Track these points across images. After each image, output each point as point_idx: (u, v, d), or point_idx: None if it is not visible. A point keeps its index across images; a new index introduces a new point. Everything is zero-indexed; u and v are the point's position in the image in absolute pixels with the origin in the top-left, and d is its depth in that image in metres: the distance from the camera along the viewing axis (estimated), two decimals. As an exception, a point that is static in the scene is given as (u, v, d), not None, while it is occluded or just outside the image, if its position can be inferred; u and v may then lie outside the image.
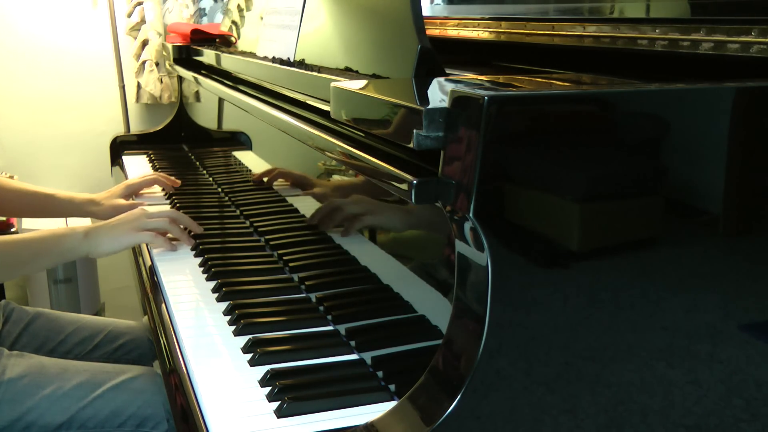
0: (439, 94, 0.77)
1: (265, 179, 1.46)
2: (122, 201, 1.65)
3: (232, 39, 1.81)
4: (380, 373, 0.90)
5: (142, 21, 2.66)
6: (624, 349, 0.71)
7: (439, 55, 0.90)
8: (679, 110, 0.70)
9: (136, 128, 2.78)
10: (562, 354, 0.69)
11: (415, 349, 0.85)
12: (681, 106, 0.71)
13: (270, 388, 0.87)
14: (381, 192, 0.94)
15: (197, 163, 2.05)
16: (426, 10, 1.74)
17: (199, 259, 1.30)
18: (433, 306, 0.81)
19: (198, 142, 2.18)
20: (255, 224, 1.42)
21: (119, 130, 2.76)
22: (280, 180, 1.42)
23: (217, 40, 1.92)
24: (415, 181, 0.68)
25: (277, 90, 1.28)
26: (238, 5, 1.80)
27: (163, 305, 1.13)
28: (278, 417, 0.82)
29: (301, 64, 1.24)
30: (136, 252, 1.41)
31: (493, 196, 0.65)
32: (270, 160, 1.49)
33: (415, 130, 0.66)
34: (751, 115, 0.73)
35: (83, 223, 1.69)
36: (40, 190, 1.62)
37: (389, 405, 0.76)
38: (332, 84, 0.86)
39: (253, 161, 1.61)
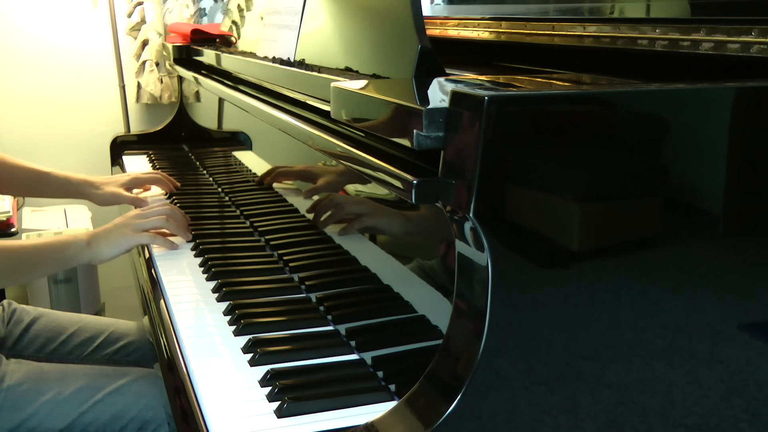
0: (439, 94, 0.77)
1: (267, 179, 1.46)
2: (125, 193, 1.65)
3: (233, 39, 1.81)
4: (380, 373, 0.90)
5: (143, 21, 2.66)
6: (624, 349, 0.71)
7: (440, 55, 0.90)
8: (679, 110, 0.70)
9: (136, 128, 2.78)
10: (562, 354, 0.69)
11: (416, 349, 0.85)
12: (681, 106, 0.71)
13: (270, 388, 0.87)
14: (381, 192, 0.94)
15: (197, 163, 2.05)
16: (426, 10, 1.74)
17: (199, 259, 1.30)
18: (434, 306, 0.81)
19: (198, 142, 2.18)
20: (255, 224, 1.42)
21: (119, 130, 2.76)
22: (281, 179, 1.42)
23: (217, 40, 1.92)
24: (415, 181, 0.68)
25: (277, 90, 1.28)
26: (239, 5, 1.80)
27: (163, 305, 1.13)
28: (278, 417, 0.82)
29: (301, 64, 1.24)
30: (137, 252, 1.41)
31: (494, 196, 0.65)
32: (270, 160, 1.49)
33: (415, 130, 0.66)
34: (751, 115, 0.73)
35: (80, 221, 1.68)
36: (37, 168, 1.62)
37: (389, 405, 0.76)
38: (332, 84, 0.86)
39: (253, 161, 1.61)
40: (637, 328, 0.71)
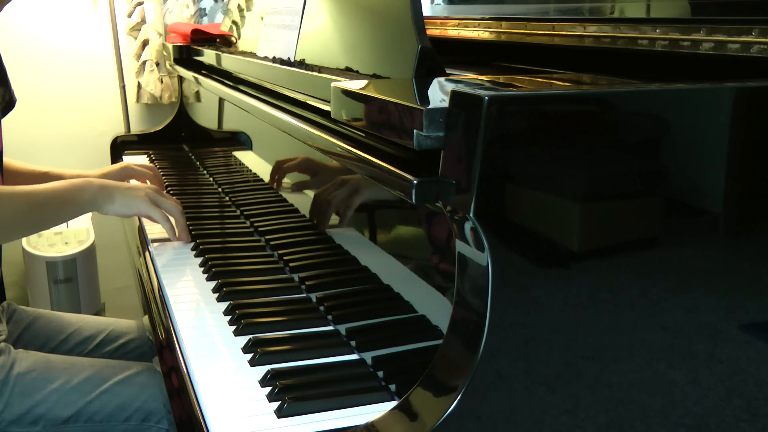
0: (439, 94, 0.77)
1: (269, 179, 1.46)
2: (114, 169, 1.66)
3: (233, 39, 1.81)
4: (380, 373, 0.90)
5: (143, 21, 2.66)
6: (624, 349, 0.71)
7: (440, 55, 0.90)
8: (679, 110, 0.70)
9: (136, 128, 2.78)
10: (562, 354, 0.69)
11: (416, 349, 0.85)
12: (681, 106, 0.71)
13: (270, 388, 0.87)
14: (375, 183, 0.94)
15: (197, 163, 2.05)
16: (426, 10, 1.75)
17: (199, 259, 1.30)
18: (434, 306, 0.81)
19: (198, 142, 2.18)
20: (255, 224, 1.42)
21: (120, 130, 2.76)
22: (282, 178, 1.41)
23: (218, 40, 1.92)
24: (415, 181, 0.68)
25: (277, 90, 1.28)
26: (239, 5, 1.80)
27: (164, 305, 1.13)
28: (278, 417, 0.82)
29: (301, 64, 1.24)
30: (137, 252, 1.41)
31: (494, 196, 0.65)
32: (270, 160, 1.49)
33: (415, 130, 0.66)
34: (751, 115, 0.73)
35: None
36: (34, 168, 1.62)
37: (389, 405, 0.76)
38: (333, 84, 0.86)
39: (253, 161, 1.61)
40: (637, 328, 0.71)
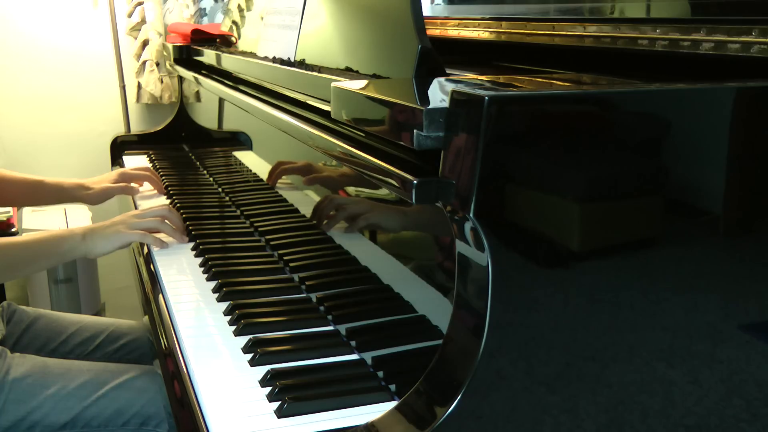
0: (439, 94, 0.77)
1: (274, 177, 1.46)
2: (113, 185, 1.68)
3: (233, 39, 1.81)
4: (381, 373, 0.90)
5: (143, 21, 2.66)
6: (624, 349, 0.71)
7: (440, 56, 0.90)
8: (679, 110, 0.70)
9: (136, 128, 2.78)
10: (562, 354, 0.69)
11: (416, 349, 0.85)
12: (681, 106, 0.71)
13: (270, 388, 0.87)
14: (380, 189, 0.94)
15: (198, 163, 2.05)
16: (426, 10, 1.74)
17: (199, 259, 1.30)
18: (434, 306, 0.81)
19: (198, 142, 2.18)
20: (255, 224, 1.42)
21: (120, 130, 2.76)
22: (285, 175, 1.41)
23: (218, 40, 1.92)
24: (415, 182, 0.68)
25: (277, 90, 1.28)
26: (239, 5, 1.80)
27: (164, 305, 1.13)
28: (279, 417, 0.82)
29: (301, 64, 1.24)
30: (137, 252, 1.41)
31: (494, 196, 0.65)
32: (270, 160, 1.49)
33: (415, 130, 0.66)
34: (751, 115, 0.73)
35: (80, 221, 1.70)
36: (30, 178, 1.63)
37: (389, 405, 0.76)
38: (333, 84, 0.86)
39: (253, 161, 1.61)
40: (637, 328, 0.71)
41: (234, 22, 1.84)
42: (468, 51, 1.43)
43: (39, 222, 2.41)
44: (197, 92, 2.34)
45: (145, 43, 2.67)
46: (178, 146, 2.24)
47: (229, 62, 1.61)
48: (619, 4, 1.11)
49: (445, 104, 0.66)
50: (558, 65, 1.10)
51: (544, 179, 0.67)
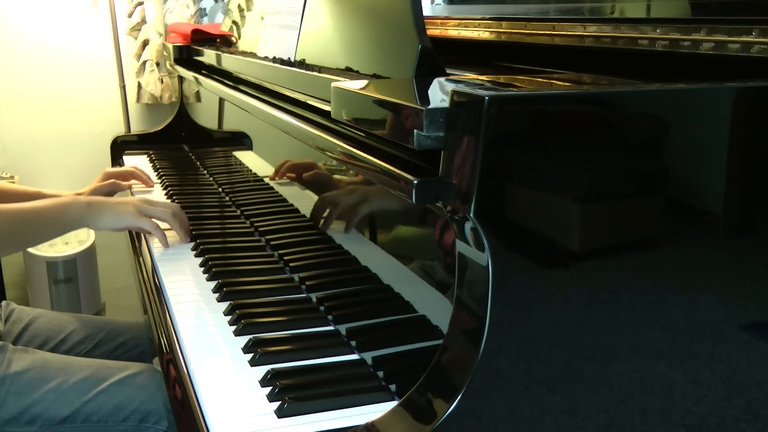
0: (439, 94, 0.77)
1: (270, 178, 1.46)
2: (101, 183, 1.68)
3: (233, 39, 1.81)
4: (381, 373, 0.90)
5: (143, 21, 2.66)
6: (624, 349, 0.71)
7: (440, 55, 0.90)
8: (679, 110, 0.70)
9: (136, 128, 2.78)
10: (562, 354, 0.69)
11: (416, 349, 0.85)
12: (681, 106, 0.71)
13: (270, 388, 0.87)
14: (379, 187, 0.94)
15: (198, 163, 2.05)
16: (426, 10, 1.75)
17: (199, 259, 1.30)
18: (434, 306, 0.81)
19: (199, 142, 2.18)
20: (255, 224, 1.43)
21: (120, 130, 2.76)
22: (288, 174, 1.41)
23: (218, 40, 1.92)
24: (415, 181, 0.68)
25: (277, 90, 1.28)
26: (239, 5, 1.80)
27: (164, 305, 1.14)
28: (279, 417, 0.82)
29: (301, 64, 1.24)
30: (137, 252, 1.41)
31: (494, 196, 0.65)
32: (271, 160, 1.49)
33: (415, 130, 0.66)
34: (751, 115, 0.73)
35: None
36: (27, 189, 1.63)
37: (390, 405, 0.76)
38: (333, 84, 0.86)
39: (253, 161, 1.61)
40: (637, 328, 0.71)
41: (234, 22, 1.84)
42: (468, 51, 1.43)
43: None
44: (197, 92, 2.34)
45: (145, 43, 2.67)
46: (179, 146, 2.24)
47: (230, 62, 1.61)
48: (619, 4, 1.11)
49: (445, 104, 0.66)
50: (558, 65, 1.10)
51: (545, 179, 0.67)
